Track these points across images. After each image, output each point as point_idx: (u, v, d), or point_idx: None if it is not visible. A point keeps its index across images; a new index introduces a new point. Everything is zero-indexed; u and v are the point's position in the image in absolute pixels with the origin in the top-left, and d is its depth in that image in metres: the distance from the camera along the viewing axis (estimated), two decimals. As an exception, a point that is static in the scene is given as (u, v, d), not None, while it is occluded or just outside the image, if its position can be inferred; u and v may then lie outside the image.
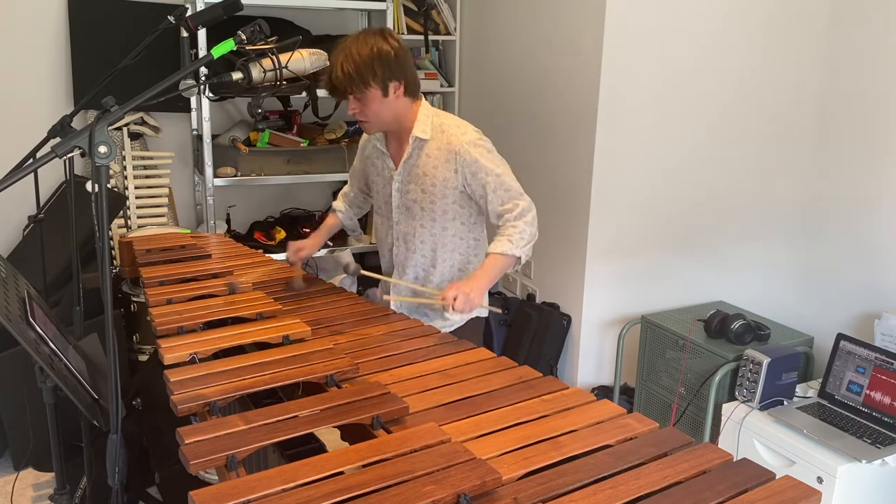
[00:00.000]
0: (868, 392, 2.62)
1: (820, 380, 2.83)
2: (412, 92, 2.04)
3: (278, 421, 1.35)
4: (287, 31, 3.58)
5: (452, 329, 2.18)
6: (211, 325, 1.87)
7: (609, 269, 3.28)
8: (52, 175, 3.51)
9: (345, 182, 4.13)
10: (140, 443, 2.83)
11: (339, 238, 3.79)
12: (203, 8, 3.13)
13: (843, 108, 3.16)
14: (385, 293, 2.33)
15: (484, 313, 2.28)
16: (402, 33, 4.03)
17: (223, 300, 2.05)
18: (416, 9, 4.02)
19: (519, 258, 2.03)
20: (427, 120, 2.07)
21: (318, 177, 3.78)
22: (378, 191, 2.25)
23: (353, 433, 1.43)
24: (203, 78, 3.01)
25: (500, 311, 2.14)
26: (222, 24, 1.96)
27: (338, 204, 2.49)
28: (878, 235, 3.02)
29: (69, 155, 1.26)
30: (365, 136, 2.28)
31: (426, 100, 2.13)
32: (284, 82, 1.77)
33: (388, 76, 1.96)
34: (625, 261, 3.29)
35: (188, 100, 3.78)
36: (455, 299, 1.93)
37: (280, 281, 2.35)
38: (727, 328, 2.93)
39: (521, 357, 3.43)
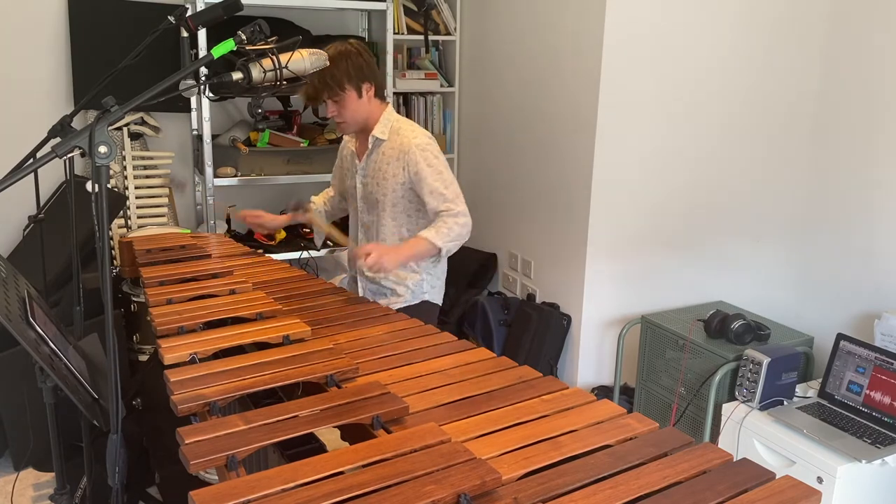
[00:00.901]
0: (868, 392, 2.62)
1: (820, 380, 2.83)
2: (380, 94, 2.33)
3: (278, 421, 1.35)
4: (287, 31, 3.58)
5: (403, 306, 2.41)
6: (211, 325, 1.87)
7: (609, 269, 3.28)
8: (52, 175, 3.51)
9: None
10: (140, 443, 2.83)
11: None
12: (203, 8, 3.13)
13: (842, 109, 3.16)
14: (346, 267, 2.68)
15: (435, 300, 2.49)
16: (402, 33, 4.03)
17: (223, 300, 2.05)
18: (416, 9, 4.02)
19: (440, 249, 2.23)
20: (387, 123, 2.34)
21: (318, 177, 3.77)
22: (346, 184, 2.53)
23: (353, 433, 1.43)
24: (203, 78, 3.01)
25: (404, 275, 2.46)
26: (222, 24, 1.96)
27: (315, 198, 2.72)
28: (878, 235, 3.02)
29: (69, 155, 1.26)
30: (343, 142, 2.56)
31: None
32: (284, 82, 1.77)
33: (361, 77, 2.24)
34: (625, 261, 3.29)
35: (188, 100, 3.78)
36: (368, 255, 2.11)
37: (280, 280, 2.35)
38: (727, 328, 2.93)
39: (521, 357, 3.43)
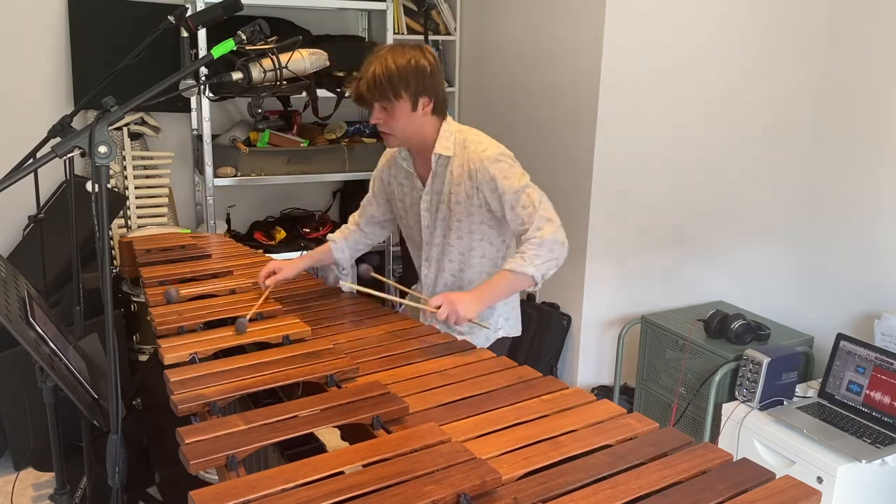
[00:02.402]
0: (868, 392, 2.62)
1: (820, 380, 2.83)
2: (440, 110, 2.00)
3: (278, 421, 1.35)
4: (287, 31, 3.58)
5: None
6: (211, 325, 1.87)
7: (609, 269, 3.28)
8: (52, 175, 3.51)
9: (344, 182, 4.18)
10: (140, 443, 2.83)
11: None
12: (203, 8, 3.13)
13: (842, 108, 3.16)
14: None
15: (513, 332, 2.18)
16: (402, 33, 4.03)
17: (223, 300, 2.05)
18: (416, 9, 4.02)
19: (533, 276, 1.89)
20: (450, 136, 2.00)
21: (318, 177, 3.77)
22: (406, 211, 2.16)
23: (353, 433, 1.43)
24: (203, 78, 3.01)
25: (486, 327, 2.06)
26: (222, 24, 1.96)
27: (334, 235, 2.33)
28: (878, 235, 3.02)
29: (69, 155, 1.26)
30: (379, 167, 2.22)
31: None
32: (284, 82, 1.77)
33: (421, 90, 1.92)
34: (625, 261, 3.29)
35: (188, 100, 3.78)
36: (439, 307, 1.84)
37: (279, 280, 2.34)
38: (727, 328, 2.93)
39: (521, 357, 3.42)
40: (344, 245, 2.28)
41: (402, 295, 2.14)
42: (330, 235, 2.33)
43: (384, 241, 4.00)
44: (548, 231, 1.91)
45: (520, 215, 1.93)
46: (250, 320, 1.86)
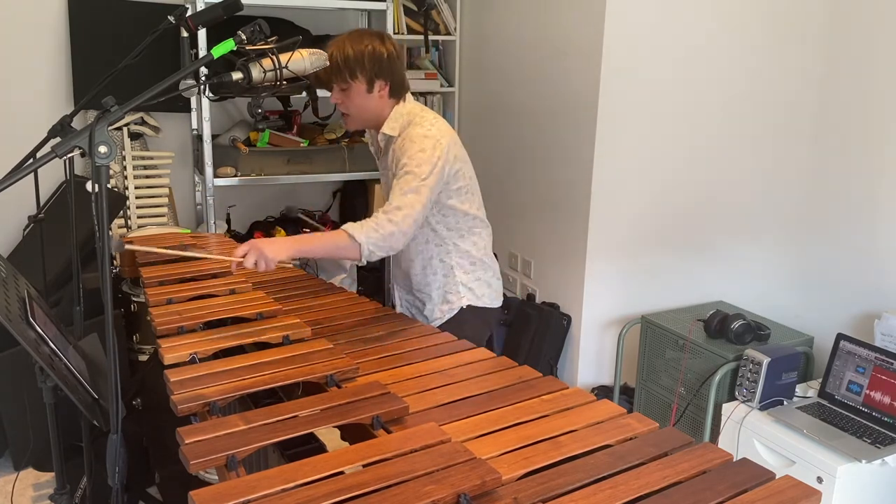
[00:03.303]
0: (868, 392, 2.62)
1: (820, 380, 2.83)
2: (397, 93, 2.07)
3: (278, 421, 1.35)
4: (287, 31, 3.58)
5: (442, 322, 2.19)
6: (211, 325, 1.87)
7: (609, 269, 3.28)
8: (52, 175, 3.51)
9: (344, 182, 4.17)
10: (140, 443, 2.83)
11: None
12: (203, 8, 3.13)
13: (842, 108, 3.16)
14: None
15: (488, 303, 2.22)
16: (402, 33, 4.03)
17: (223, 300, 2.05)
18: (416, 9, 4.02)
19: (361, 249, 1.87)
20: (399, 118, 2.08)
21: (318, 177, 3.77)
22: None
23: (353, 433, 1.43)
24: (203, 78, 3.01)
25: (289, 265, 2.01)
26: (222, 24, 1.96)
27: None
28: (878, 235, 3.02)
29: (69, 155, 1.26)
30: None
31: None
32: (284, 82, 1.76)
33: (376, 73, 2.01)
34: (625, 261, 3.29)
35: (188, 100, 3.78)
36: (245, 255, 1.80)
37: (280, 280, 2.35)
38: (727, 328, 2.93)
39: (521, 357, 3.43)
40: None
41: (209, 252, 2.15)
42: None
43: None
44: (400, 217, 1.89)
45: (394, 191, 1.94)
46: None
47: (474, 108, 4.13)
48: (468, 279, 2.21)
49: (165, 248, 2.18)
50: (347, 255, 1.90)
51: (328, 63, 1.96)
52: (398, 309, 2.32)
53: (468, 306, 2.22)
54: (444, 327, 2.14)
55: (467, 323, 2.20)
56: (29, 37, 3.50)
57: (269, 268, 1.82)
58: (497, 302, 2.29)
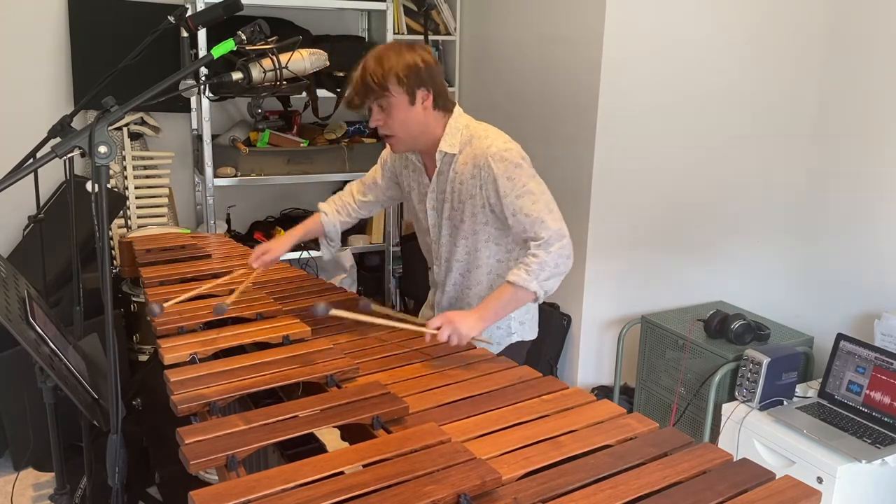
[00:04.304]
0: (868, 392, 2.62)
1: (820, 380, 2.83)
2: (442, 104, 1.88)
3: (278, 421, 1.35)
4: (287, 31, 3.58)
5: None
6: (211, 325, 1.87)
7: (609, 269, 3.28)
8: (52, 175, 3.51)
9: (344, 182, 4.15)
10: (140, 443, 2.83)
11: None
12: (203, 8, 3.13)
13: (842, 108, 3.16)
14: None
15: (528, 336, 2.12)
16: (402, 33, 4.03)
17: (223, 300, 2.05)
18: (416, 9, 4.02)
19: (535, 293, 1.79)
20: (456, 133, 1.89)
21: (318, 177, 3.78)
22: (415, 205, 2.09)
23: (353, 433, 1.43)
24: (203, 78, 3.01)
25: (489, 342, 1.97)
26: (222, 24, 1.96)
27: (326, 206, 2.24)
28: (878, 235, 3.02)
29: (69, 155, 1.26)
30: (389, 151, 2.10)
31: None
32: (284, 82, 1.77)
33: (416, 83, 1.80)
34: (625, 261, 3.29)
35: (188, 100, 3.78)
36: (439, 328, 1.74)
37: (280, 280, 2.34)
38: (727, 328, 2.93)
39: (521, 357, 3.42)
40: (336, 219, 2.22)
41: (403, 320, 2.01)
42: (321, 205, 2.25)
43: (384, 242, 4.00)
44: (555, 246, 1.79)
45: (521, 222, 1.83)
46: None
47: (474, 108, 4.11)
48: (520, 312, 2.05)
49: (365, 317, 1.89)
50: (527, 302, 1.85)
51: (328, 63, 1.95)
52: None
53: (516, 343, 2.09)
54: None
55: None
56: (29, 37, 3.50)
57: (461, 344, 1.77)
58: (536, 332, 2.15)
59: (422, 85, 1.82)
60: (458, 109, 1.93)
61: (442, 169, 1.93)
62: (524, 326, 2.09)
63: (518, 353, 2.09)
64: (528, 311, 2.08)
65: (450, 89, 4.19)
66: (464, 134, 1.90)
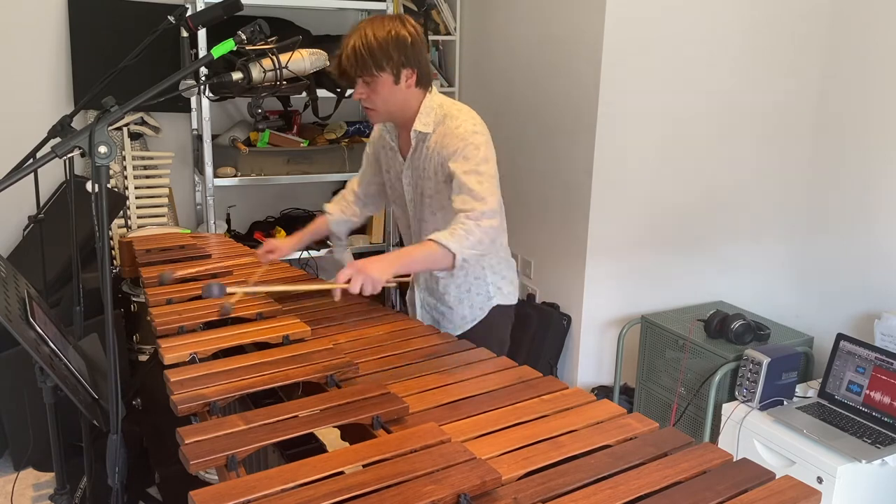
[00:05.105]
0: (868, 392, 2.62)
1: (820, 380, 2.83)
2: (424, 82, 1.95)
3: (278, 421, 1.35)
4: (287, 31, 3.58)
5: (472, 326, 2.12)
6: (211, 325, 1.87)
7: (609, 269, 3.28)
8: (52, 175, 3.51)
9: (344, 182, 4.16)
10: (140, 443, 2.83)
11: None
12: (203, 8, 3.13)
13: (842, 108, 3.16)
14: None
15: (512, 301, 2.18)
16: (402, 33, 4.02)
17: (223, 300, 2.05)
18: (416, 9, 4.02)
19: (455, 256, 1.82)
20: (430, 112, 1.97)
21: (318, 177, 3.78)
22: (392, 186, 2.16)
23: (353, 433, 1.43)
24: (203, 78, 3.01)
25: (394, 285, 1.96)
26: (222, 24, 1.96)
27: (330, 206, 2.31)
28: (878, 235, 3.02)
29: (69, 155, 1.26)
30: (372, 135, 2.21)
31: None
32: (284, 82, 1.77)
33: (403, 62, 1.88)
34: (625, 261, 3.29)
35: (188, 100, 3.78)
36: (349, 281, 1.73)
37: (279, 281, 2.34)
38: (727, 328, 2.93)
39: (521, 357, 3.43)
40: (341, 218, 2.28)
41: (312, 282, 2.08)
42: (326, 206, 2.31)
43: (384, 242, 4.00)
44: (485, 222, 1.84)
45: (464, 198, 1.87)
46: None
47: (474, 108, 4.10)
48: (496, 279, 2.14)
49: (273, 286, 1.99)
50: (442, 266, 1.86)
51: (328, 63, 1.95)
52: (417, 313, 2.24)
53: (497, 306, 2.15)
54: (474, 329, 2.12)
55: (496, 323, 2.15)
56: (29, 37, 3.50)
57: (376, 290, 1.76)
58: (516, 297, 2.22)
59: (408, 65, 1.89)
60: (433, 88, 2.01)
61: (417, 146, 2.01)
62: (501, 292, 2.15)
63: (505, 315, 2.16)
64: (503, 276, 2.15)
65: (449, 89, 4.21)
66: (437, 113, 1.98)
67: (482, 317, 2.13)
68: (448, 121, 1.95)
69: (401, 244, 2.29)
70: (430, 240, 1.83)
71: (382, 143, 2.14)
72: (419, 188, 2.05)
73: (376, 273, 1.75)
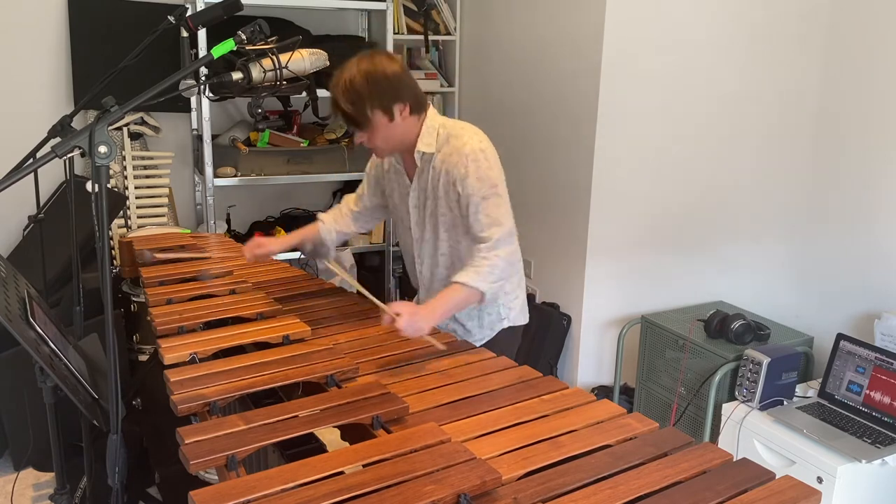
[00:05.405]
0: (868, 392, 2.62)
1: (820, 380, 2.83)
2: (418, 109, 1.95)
3: (278, 421, 1.35)
4: (287, 31, 3.58)
5: (483, 343, 2.11)
6: (211, 325, 1.87)
7: (609, 269, 3.28)
8: (52, 175, 3.51)
9: (344, 182, 4.17)
10: (140, 443, 2.83)
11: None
12: (203, 8, 3.13)
13: (842, 108, 3.16)
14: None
15: (518, 321, 2.18)
16: (402, 33, 4.03)
17: (223, 300, 2.05)
18: (416, 9, 4.02)
19: (483, 294, 1.86)
20: (432, 132, 1.97)
21: (318, 177, 3.78)
22: (396, 206, 2.16)
23: (353, 433, 1.43)
24: (203, 78, 3.01)
25: (443, 347, 1.97)
26: (222, 24, 1.96)
27: (324, 216, 2.32)
28: (878, 235, 3.02)
29: (69, 155, 1.26)
30: (374, 157, 2.19)
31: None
32: (284, 82, 1.77)
33: (391, 100, 1.87)
34: (625, 261, 3.29)
35: (188, 100, 3.78)
36: (398, 315, 1.74)
37: (280, 280, 2.35)
38: (727, 328, 2.93)
39: (521, 357, 3.42)
40: (333, 227, 2.28)
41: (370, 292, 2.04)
42: (320, 215, 2.32)
43: (384, 242, 4.00)
44: (503, 250, 1.88)
45: (480, 222, 1.90)
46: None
47: (474, 108, 4.13)
48: (509, 299, 2.12)
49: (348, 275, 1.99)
50: (473, 303, 1.92)
51: (328, 64, 1.95)
52: None
53: (508, 328, 2.15)
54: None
55: (503, 344, 2.12)
56: (29, 37, 3.50)
57: (416, 335, 1.78)
58: (526, 318, 2.21)
59: (398, 100, 1.88)
60: (431, 110, 2.00)
61: (423, 167, 2.00)
62: (513, 312, 2.15)
63: (513, 336, 2.16)
64: (515, 297, 2.15)
65: (450, 89, 4.21)
66: (440, 133, 1.97)
67: (491, 336, 2.12)
68: (453, 140, 1.94)
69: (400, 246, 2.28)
70: (458, 283, 1.85)
71: (387, 165, 2.14)
72: (427, 209, 2.04)
73: (423, 323, 1.77)
